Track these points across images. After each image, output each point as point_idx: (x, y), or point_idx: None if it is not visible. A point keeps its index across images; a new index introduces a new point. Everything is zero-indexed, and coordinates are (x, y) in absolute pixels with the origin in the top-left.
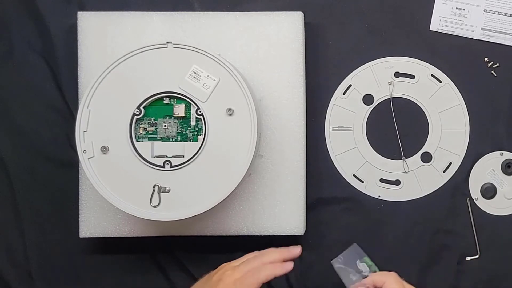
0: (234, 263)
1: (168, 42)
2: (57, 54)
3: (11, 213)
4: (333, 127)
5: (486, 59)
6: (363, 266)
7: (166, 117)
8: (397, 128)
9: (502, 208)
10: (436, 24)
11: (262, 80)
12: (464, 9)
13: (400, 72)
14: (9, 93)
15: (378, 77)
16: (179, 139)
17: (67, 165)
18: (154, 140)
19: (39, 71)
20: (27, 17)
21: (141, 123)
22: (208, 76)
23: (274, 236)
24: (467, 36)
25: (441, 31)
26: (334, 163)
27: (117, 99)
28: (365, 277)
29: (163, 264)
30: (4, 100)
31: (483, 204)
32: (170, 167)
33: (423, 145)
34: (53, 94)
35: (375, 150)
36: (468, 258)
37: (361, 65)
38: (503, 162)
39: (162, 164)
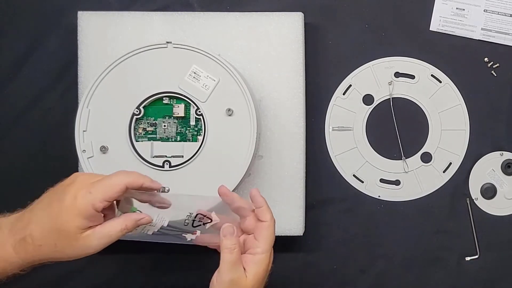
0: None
1: (168, 42)
2: (57, 54)
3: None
4: (333, 127)
5: (486, 59)
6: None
7: (165, 117)
8: (397, 128)
9: (502, 208)
10: (436, 24)
11: (262, 80)
12: (464, 9)
13: (400, 72)
14: (8, 93)
15: (378, 77)
16: (178, 139)
17: (67, 164)
18: (153, 140)
19: (39, 70)
20: (27, 17)
21: (141, 123)
22: (207, 76)
23: None
24: (467, 36)
25: (441, 31)
26: (334, 163)
27: (117, 99)
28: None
29: (162, 265)
30: (2, 100)
31: (483, 204)
32: (169, 167)
33: (423, 145)
34: (53, 94)
35: (375, 150)
36: (468, 258)
37: (361, 65)
38: (503, 162)
39: (161, 164)
